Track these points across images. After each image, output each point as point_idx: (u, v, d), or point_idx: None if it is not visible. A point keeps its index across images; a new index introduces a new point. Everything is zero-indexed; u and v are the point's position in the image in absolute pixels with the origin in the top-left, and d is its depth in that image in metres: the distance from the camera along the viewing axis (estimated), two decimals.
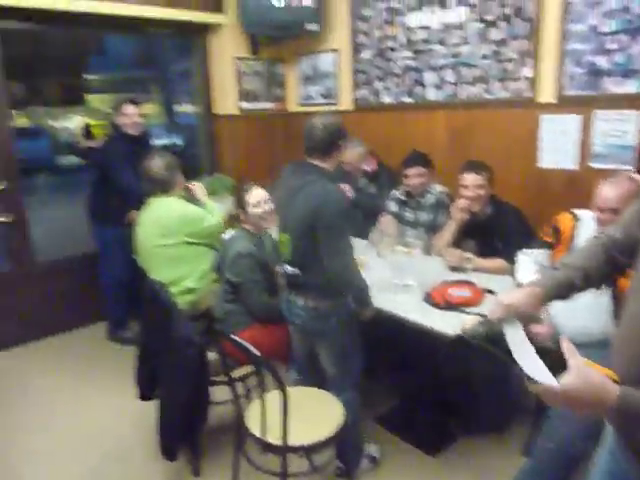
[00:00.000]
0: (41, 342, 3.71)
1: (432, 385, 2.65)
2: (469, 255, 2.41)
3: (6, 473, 2.38)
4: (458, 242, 2.66)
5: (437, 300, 2.18)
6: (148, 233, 2.77)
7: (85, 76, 9.22)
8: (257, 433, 1.87)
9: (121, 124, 3.37)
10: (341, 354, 2.12)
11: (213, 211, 2.84)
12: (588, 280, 1.19)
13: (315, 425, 1.91)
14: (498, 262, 2.48)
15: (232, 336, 1.83)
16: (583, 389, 0.88)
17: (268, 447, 1.85)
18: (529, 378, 0.91)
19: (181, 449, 2.30)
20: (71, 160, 16.31)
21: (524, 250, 2.32)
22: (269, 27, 3.97)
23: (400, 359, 2.82)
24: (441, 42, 3.34)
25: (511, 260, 2.39)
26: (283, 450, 1.80)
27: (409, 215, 3.09)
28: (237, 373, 2.33)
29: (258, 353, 1.76)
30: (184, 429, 2.22)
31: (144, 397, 2.41)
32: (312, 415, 1.97)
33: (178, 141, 8.59)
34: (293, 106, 4.57)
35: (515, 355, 0.96)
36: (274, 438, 1.83)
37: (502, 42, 3.04)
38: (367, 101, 3.93)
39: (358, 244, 2.88)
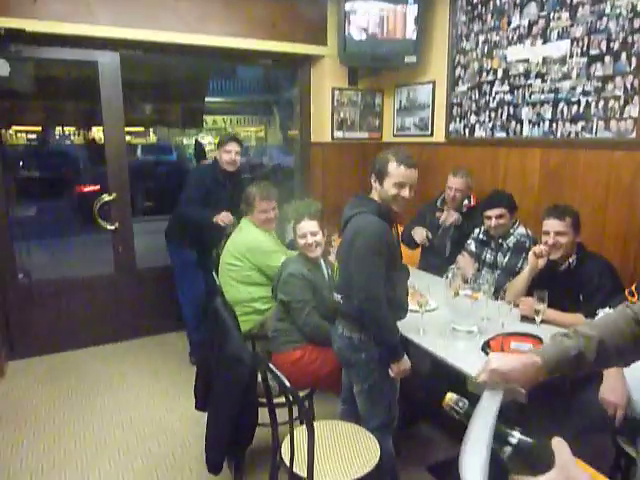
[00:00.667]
0: (131, 342, 4.07)
1: None
2: (540, 306, 2.24)
3: (72, 457, 2.65)
4: (533, 291, 2.48)
5: (495, 351, 2.05)
6: (226, 252, 2.98)
7: (206, 99, 10.05)
8: (288, 463, 1.89)
9: (220, 158, 3.50)
10: (368, 392, 2.10)
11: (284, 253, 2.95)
12: (604, 353, 1.05)
13: (347, 463, 1.89)
14: (574, 317, 2.28)
15: (269, 364, 1.87)
16: None
17: (295, 479, 1.85)
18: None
19: (226, 465, 2.39)
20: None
21: (607, 309, 2.11)
22: (369, 59, 4.06)
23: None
24: (540, 76, 3.18)
25: (592, 316, 2.18)
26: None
27: (489, 256, 2.95)
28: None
29: (287, 381, 1.78)
30: (230, 445, 2.30)
31: (199, 407, 2.54)
32: (345, 453, 1.95)
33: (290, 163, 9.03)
34: (387, 136, 4.60)
35: (470, 434, 0.89)
36: (303, 471, 1.84)
37: (607, 78, 2.82)
38: (460, 134, 3.84)
39: (430, 280, 2.82)
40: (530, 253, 2.48)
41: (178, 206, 3.54)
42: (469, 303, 2.26)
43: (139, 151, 14.04)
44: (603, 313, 2.09)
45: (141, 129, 11.16)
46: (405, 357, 2.06)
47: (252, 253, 2.88)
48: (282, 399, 2.39)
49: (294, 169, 4.80)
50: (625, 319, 1.08)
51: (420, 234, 3.46)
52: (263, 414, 2.25)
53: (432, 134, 4.11)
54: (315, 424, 2.13)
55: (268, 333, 2.70)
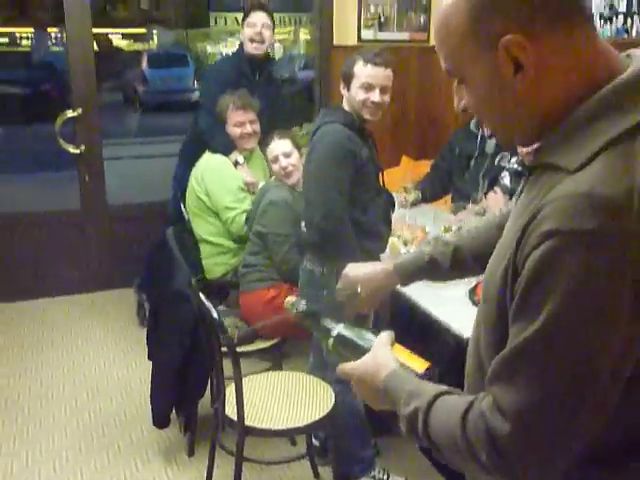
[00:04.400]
0: (98, 294, 4.66)
1: None
2: None
3: (13, 408, 3.25)
4: None
5: (479, 297, 2.37)
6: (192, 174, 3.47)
7: None
8: (229, 413, 2.33)
9: (244, 39, 3.62)
10: None
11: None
12: (460, 259, 1.38)
13: (291, 411, 2.32)
14: None
15: (201, 296, 2.30)
16: (366, 366, 1.15)
17: (229, 423, 2.31)
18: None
19: (176, 420, 2.89)
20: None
21: None
22: None
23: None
24: None
25: None
26: (238, 427, 2.25)
27: None
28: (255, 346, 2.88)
29: (215, 315, 2.21)
30: (176, 396, 2.78)
31: (151, 357, 3.04)
32: (292, 402, 2.38)
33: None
34: None
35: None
36: (251, 420, 2.29)
37: None
38: None
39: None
40: None
41: (197, 120, 3.69)
42: None
43: (144, 62, 14.77)
44: None
45: (142, 30, 11.74)
46: None
47: (209, 174, 3.32)
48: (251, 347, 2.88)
49: (313, 81, 5.13)
50: (487, 224, 1.40)
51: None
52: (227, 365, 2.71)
53: None
54: (269, 374, 2.59)
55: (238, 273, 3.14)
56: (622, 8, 3.31)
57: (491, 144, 3.61)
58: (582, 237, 0.80)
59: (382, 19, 4.73)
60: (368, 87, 2.38)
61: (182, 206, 3.57)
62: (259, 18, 3.59)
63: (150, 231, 4.31)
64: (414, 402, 1.01)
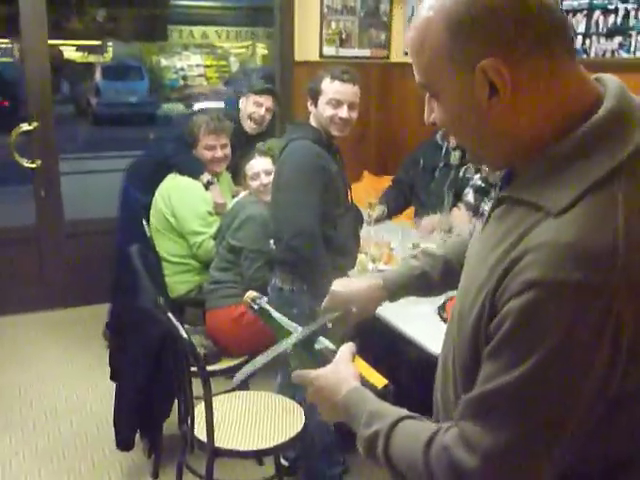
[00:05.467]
0: (57, 312, 4.55)
1: None
2: None
3: None
4: None
5: (448, 314, 2.39)
6: (157, 194, 3.41)
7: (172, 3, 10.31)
8: (198, 434, 2.29)
9: (243, 111, 3.74)
10: None
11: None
12: (451, 271, 1.38)
13: (261, 433, 2.29)
14: None
15: (169, 314, 2.26)
16: (327, 377, 1.16)
17: (198, 445, 2.27)
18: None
19: (140, 442, 2.83)
20: (177, 109, 18.21)
21: None
22: None
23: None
24: None
25: None
26: (208, 449, 2.21)
27: (487, 209, 3.26)
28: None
29: (184, 334, 2.17)
30: (141, 419, 2.73)
31: (114, 378, 2.98)
32: (262, 423, 2.35)
33: None
34: (398, 54, 4.89)
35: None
36: (220, 442, 2.25)
37: None
38: None
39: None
40: None
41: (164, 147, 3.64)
42: None
43: (98, 74, 14.60)
44: None
45: (96, 42, 11.59)
46: None
47: (177, 194, 3.26)
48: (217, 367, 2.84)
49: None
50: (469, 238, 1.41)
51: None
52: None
53: None
54: (236, 394, 2.56)
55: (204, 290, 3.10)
56: (581, 29, 3.41)
57: (456, 155, 3.66)
58: (566, 289, 0.80)
59: (343, 36, 4.78)
60: (336, 103, 2.40)
61: (144, 223, 3.50)
62: (266, 101, 3.73)
63: (108, 247, 4.23)
64: (375, 424, 1.02)
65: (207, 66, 19.82)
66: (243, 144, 3.62)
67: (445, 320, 2.39)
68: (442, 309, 2.45)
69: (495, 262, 0.90)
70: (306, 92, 4.69)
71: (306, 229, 2.32)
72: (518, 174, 0.96)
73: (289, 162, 2.38)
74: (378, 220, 3.54)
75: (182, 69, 20.14)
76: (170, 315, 2.21)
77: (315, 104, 2.45)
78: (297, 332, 1.26)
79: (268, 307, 1.35)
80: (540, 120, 0.90)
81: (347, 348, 1.21)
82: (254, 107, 3.70)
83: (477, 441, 0.88)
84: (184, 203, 3.27)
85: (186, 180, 3.32)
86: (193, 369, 2.53)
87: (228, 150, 3.41)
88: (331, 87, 2.40)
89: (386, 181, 4.28)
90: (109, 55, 14.34)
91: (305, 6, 4.70)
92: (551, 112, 0.90)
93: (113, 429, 2.77)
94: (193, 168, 3.34)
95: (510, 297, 0.85)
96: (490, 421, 0.87)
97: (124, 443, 2.75)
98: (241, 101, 3.78)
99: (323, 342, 1.25)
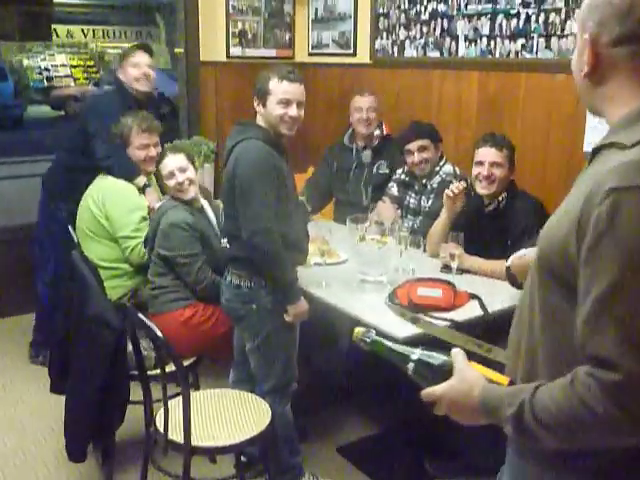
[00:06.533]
0: None
1: (414, 416, 3.02)
2: (456, 250, 2.75)
3: None
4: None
5: (401, 300, 2.54)
6: (87, 196, 3.35)
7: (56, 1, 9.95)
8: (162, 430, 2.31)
9: (126, 77, 3.62)
10: (261, 347, 2.56)
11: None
12: None
13: (231, 428, 2.34)
14: (496, 264, 2.80)
15: (139, 314, 2.27)
16: (457, 388, 1.26)
17: (172, 446, 2.28)
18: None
19: (91, 451, 2.77)
20: (43, 111, 17.31)
21: (521, 252, 2.64)
22: None
23: (381, 380, 3.20)
24: None
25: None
26: (185, 449, 2.24)
27: (412, 201, 3.46)
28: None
29: (159, 333, 2.19)
30: (94, 428, 2.67)
31: (56, 390, 2.89)
32: (230, 418, 2.39)
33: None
34: (301, 54, 5.00)
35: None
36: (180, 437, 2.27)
37: None
38: (388, 53, 4.31)
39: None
40: (445, 193, 2.98)
41: (94, 150, 3.45)
42: (376, 249, 2.73)
43: None
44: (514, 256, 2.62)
45: None
46: (302, 299, 2.52)
47: (112, 198, 3.22)
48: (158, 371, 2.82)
49: (178, 97, 5.10)
50: None
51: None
52: (133, 390, 2.65)
53: (355, 53, 4.55)
54: (196, 393, 2.58)
55: (143, 298, 3.08)
56: (485, 31, 3.68)
57: (367, 154, 3.85)
58: (637, 191, 1.01)
59: (249, 36, 4.83)
60: (286, 102, 2.47)
61: (70, 229, 3.40)
62: (142, 58, 3.65)
63: (19, 256, 4.07)
64: (517, 399, 1.12)
65: (74, 66, 19.06)
66: (144, 105, 3.64)
67: (398, 306, 2.53)
68: (393, 295, 2.59)
69: (585, 188, 1.09)
70: (214, 92, 4.78)
71: (265, 227, 2.39)
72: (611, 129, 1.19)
73: (243, 161, 2.43)
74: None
75: (47, 69, 19.26)
76: (142, 317, 2.21)
77: (263, 104, 2.51)
78: (414, 355, 1.33)
79: (379, 338, 1.40)
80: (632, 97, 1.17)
81: (459, 355, 1.31)
82: (134, 70, 3.60)
83: (609, 353, 1.01)
84: (118, 207, 3.22)
85: (121, 183, 3.27)
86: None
87: (160, 148, 3.37)
88: (280, 87, 2.47)
89: (298, 178, 4.38)
90: None
91: (209, 6, 4.70)
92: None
93: (64, 440, 2.70)
94: (129, 170, 3.29)
95: (593, 210, 1.04)
96: (610, 330, 1.01)
97: (76, 455, 2.68)
98: (119, 74, 3.68)
99: (439, 357, 1.33)
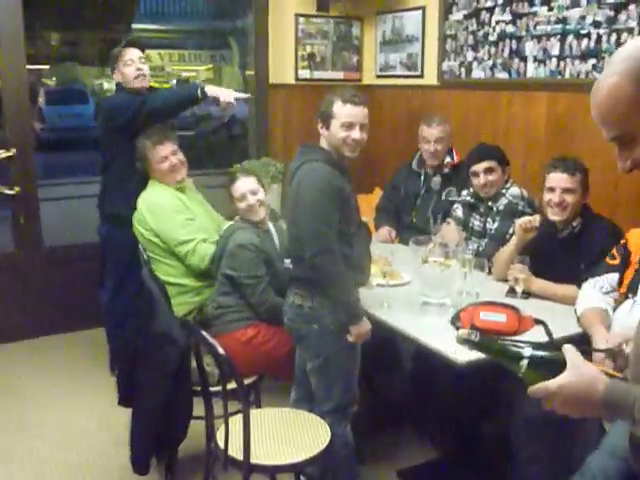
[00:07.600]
0: (39, 340, 4.48)
1: (477, 444, 2.98)
2: (521, 274, 2.70)
3: None
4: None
5: (464, 324, 2.51)
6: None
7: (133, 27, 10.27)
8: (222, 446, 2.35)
9: (124, 79, 3.58)
10: (322, 367, 2.55)
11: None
12: None
13: (289, 447, 2.35)
14: (567, 289, 2.73)
15: (202, 332, 2.32)
16: (576, 383, 1.26)
17: (232, 462, 2.31)
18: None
19: (155, 464, 2.84)
20: None
21: (592, 278, 2.57)
22: None
23: (445, 404, 3.16)
24: (546, 3, 3.64)
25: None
26: (244, 466, 2.26)
27: (477, 223, 3.41)
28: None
29: (221, 351, 2.23)
30: (158, 441, 2.74)
31: (124, 403, 2.97)
32: (289, 437, 2.41)
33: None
34: (369, 77, 5.04)
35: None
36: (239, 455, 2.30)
37: (620, 6, 3.28)
38: (455, 75, 4.29)
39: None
40: (518, 223, 2.92)
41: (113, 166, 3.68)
42: (439, 271, 2.71)
43: (41, 97, 14.32)
44: (587, 283, 2.55)
45: (44, 67, 11.40)
46: (365, 319, 2.51)
47: (151, 214, 3.27)
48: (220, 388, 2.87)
49: (248, 119, 5.22)
50: None
51: (383, 235, 3.86)
52: (197, 405, 2.70)
53: (422, 75, 4.56)
54: (256, 411, 2.60)
55: (208, 314, 3.14)
56: (555, 52, 3.62)
57: (437, 181, 3.83)
58: None
59: (317, 58, 4.91)
60: (349, 125, 2.50)
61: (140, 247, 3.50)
62: (132, 54, 3.60)
63: (89, 273, 4.20)
64: None
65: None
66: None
67: (458, 328, 2.49)
68: (456, 319, 2.57)
69: None
70: (282, 113, 4.87)
71: (328, 247, 2.40)
72: None
73: (306, 183, 2.46)
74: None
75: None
76: (205, 334, 2.26)
77: (327, 127, 2.54)
78: (526, 352, 1.33)
79: (487, 337, 1.41)
80: None
81: (572, 351, 1.31)
82: (129, 68, 3.58)
83: None
84: (161, 218, 3.26)
85: (153, 195, 3.34)
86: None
87: (181, 155, 3.40)
88: (343, 110, 2.49)
89: (362, 199, 4.40)
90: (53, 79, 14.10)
91: (279, 30, 4.81)
92: None
93: (129, 453, 2.76)
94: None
95: None
96: None
97: (140, 467, 2.75)
98: (115, 77, 3.68)
99: (552, 353, 1.33)
